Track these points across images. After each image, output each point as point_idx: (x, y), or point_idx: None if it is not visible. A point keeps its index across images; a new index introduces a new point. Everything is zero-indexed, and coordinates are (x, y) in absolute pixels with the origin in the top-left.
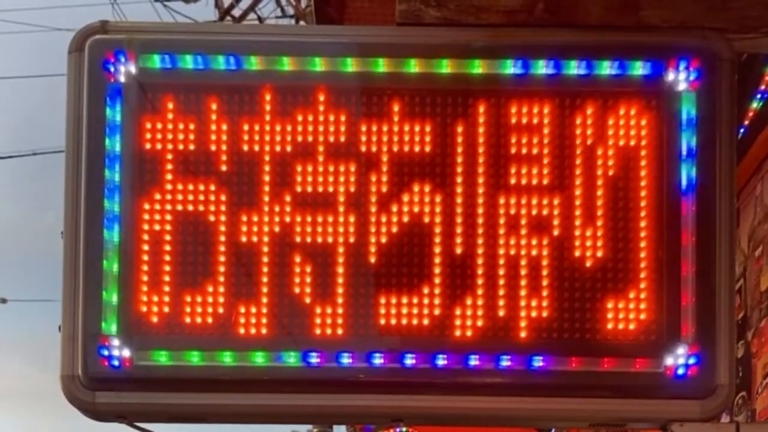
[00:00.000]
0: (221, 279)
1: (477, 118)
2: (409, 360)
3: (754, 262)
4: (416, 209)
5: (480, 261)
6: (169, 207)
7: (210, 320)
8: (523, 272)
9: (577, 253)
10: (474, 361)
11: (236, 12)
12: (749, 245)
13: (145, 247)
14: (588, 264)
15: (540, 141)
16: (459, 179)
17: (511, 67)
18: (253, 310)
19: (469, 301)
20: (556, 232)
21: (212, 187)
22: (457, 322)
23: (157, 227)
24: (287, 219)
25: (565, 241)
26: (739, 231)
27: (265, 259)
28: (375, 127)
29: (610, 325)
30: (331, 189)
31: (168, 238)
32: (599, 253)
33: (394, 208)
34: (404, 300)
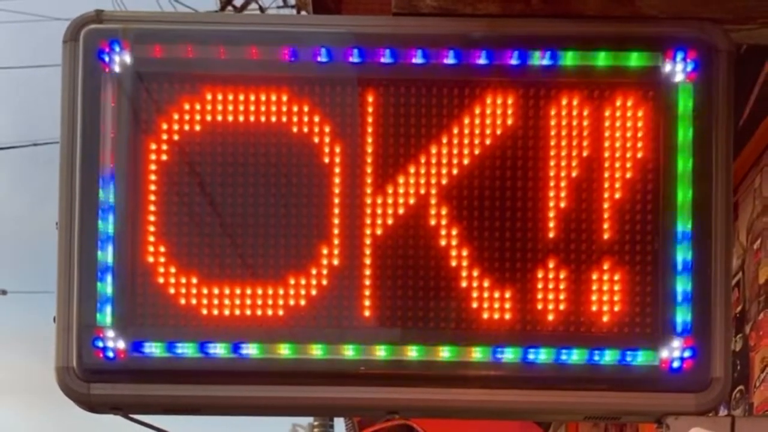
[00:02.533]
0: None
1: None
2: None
3: (753, 254)
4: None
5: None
6: (164, 197)
7: (205, 311)
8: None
9: (574, 245)
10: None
11: (237, 2)
12: (748, 238)
13: (140, 238)
14: (585, 256)
15: (536, 134)
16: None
17: (508, 58)
18: (249, 301)
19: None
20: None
21: (207, 178)
22: (452, 315)
23: (152, 218)
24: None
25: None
26: (738, 224)
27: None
28: (371, 119)
29: (605, 318)
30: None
31: (163, 228)
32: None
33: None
34: (400, 292)
